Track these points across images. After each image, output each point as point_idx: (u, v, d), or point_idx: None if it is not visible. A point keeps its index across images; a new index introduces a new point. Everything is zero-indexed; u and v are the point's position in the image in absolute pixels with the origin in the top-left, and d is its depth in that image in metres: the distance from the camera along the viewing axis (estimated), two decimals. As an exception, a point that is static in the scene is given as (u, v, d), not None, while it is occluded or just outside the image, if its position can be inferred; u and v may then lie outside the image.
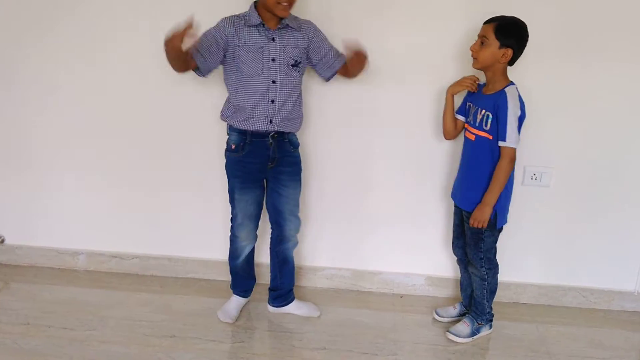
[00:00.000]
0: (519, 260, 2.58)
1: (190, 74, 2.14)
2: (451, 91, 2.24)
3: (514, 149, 2.05)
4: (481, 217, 2.11)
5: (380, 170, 2.55)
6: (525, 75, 2.23)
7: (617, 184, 2.47)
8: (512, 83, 2.09)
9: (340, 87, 2.40)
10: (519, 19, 2.03)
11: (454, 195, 2.33)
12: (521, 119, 2.06)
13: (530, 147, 2.37)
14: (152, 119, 2.55)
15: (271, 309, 2.51)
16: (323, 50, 2.16)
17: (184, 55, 1.93)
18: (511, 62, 2.06)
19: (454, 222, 2.39)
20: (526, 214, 2.48)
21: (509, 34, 2.00)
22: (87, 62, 2.48)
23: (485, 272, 2.24)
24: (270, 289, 2.51)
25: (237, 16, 2.07)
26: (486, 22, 2.05)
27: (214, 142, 2.45)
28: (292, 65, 2.09)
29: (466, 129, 2.23)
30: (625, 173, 2.46)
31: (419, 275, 2.67)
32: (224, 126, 2.29)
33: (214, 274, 2.73)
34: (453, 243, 2.41)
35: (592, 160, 2.45)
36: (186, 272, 2.77)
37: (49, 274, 2.78)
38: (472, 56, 2.09)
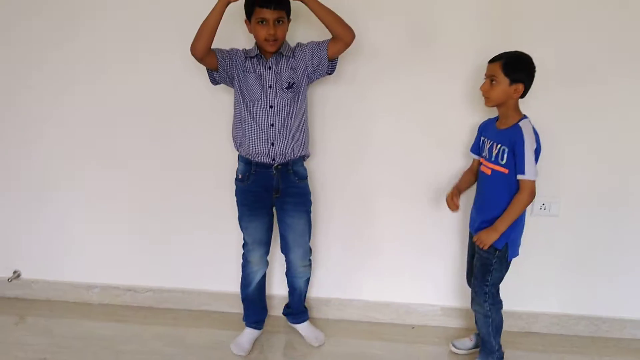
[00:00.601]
0: (531, 289, 2.59)
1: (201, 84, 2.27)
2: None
3: (534, 182, 2.05)
4: (486, 239, 2.12)
5: (391, 199, 2.57)
6: (533, 105, 2.24)
7: (626, 212, 2.49)
8: (525, 117, 2.10)
9: (348, 115, 2.47)
10: (523, 53, 2.06)
11: (472, 227, 2.31)
12: (537, 152, 2.07)
13: (539, 177, 2.38)
14: (165, 153, 2.61)
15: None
16: (309, 51, 2.21)
17: (217, 25, 2.05)
18: (522, 95, 2.09)
19: (468, 254, 2.39)
20: (536, 243, 2.49)
21: (517, 69, 2.04)
22: (99, 95, 2.57)
23: (488, 309, 2.23)
24: (286, 304, 2.61)
25: (245, 49, 2.25)
26: (491, 61, 2.09)
27: (226, 174, 2.49)
28: (286, 88, 2.19)
29: (482, 163, 2.24)
30: (634, 200, 2.47)
31: (431, 306, 2.68)
32: (234, 157, 2.38)
33: (226, 307, 2.76)
34: (467, 275, 2.41)
35: (600, 189, 2.46)
36: (199, 304, 2.80)
37: (64, 308, 2.81)
38: (483, 96, 2.13)
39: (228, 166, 2.48)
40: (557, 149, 2.39)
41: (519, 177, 2.05)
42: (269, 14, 2.06)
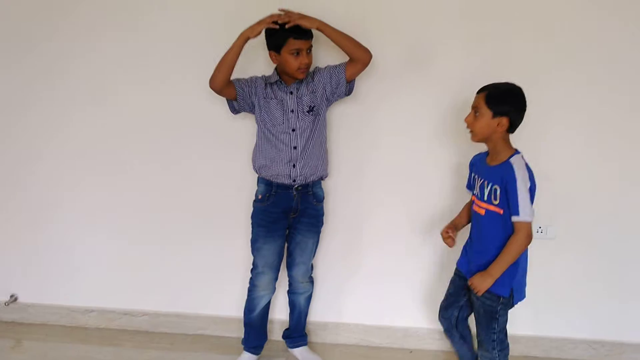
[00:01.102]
0: (529, 313, 2.57)
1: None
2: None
3: (530, 223, 1.93)
4: (480, 285, 1.98)
5: (388, 224, 2.58)
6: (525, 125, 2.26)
7: (623, 233, 2.48)
8: (517, 152, 2.00)
9: (359, 135, 2.50)
10: (512, 85, 1.97)
11: (461, 265, 2.21)
12: (532, 190, 1.95)
13: (535, 200, 2.39)
14: (164, 178, 2.62)
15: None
16: (327, 74, 2.27)
17: (236, 60, 2.13)
18: (512, 130, 1.98)
19: (448, 290, 2.27)
20: (534, 267, 2.43)
21: (502, 102, 1.93)
22: (101, 117, 2.58)
23: (497, 354, 2.09)
24: (286, 328, 2.61)
25: (264, 76, 2.31)
26: (478, 92, 2.00)
27: (228, 198, 2.54)
28: (307, 112, 2.25)
29: (474, 202, 2.12)
30: (631, 221, 2.47)
31: (428, 330, 2.66)
32: (239, 181, 2.48)
33: (224, 331, 2.74)
34: (440, 312, 2.30)
35: (596, 210, 2.47)
36: (196, 328, 2.78)
37: (61, 332, 2.80)
38: (467, 128, 2.03)
39: (231, 187, 2.53)
40: (552, 168, 2.40)
41: (514, 218, 1.92)
42: (303, 44, 2.14)
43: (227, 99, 2.30)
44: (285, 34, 2.11)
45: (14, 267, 2.82)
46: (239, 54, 2.12)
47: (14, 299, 2.85)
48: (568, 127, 2.39)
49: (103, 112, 2.58)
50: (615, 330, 2.58)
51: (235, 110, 2.33)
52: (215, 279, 2.70)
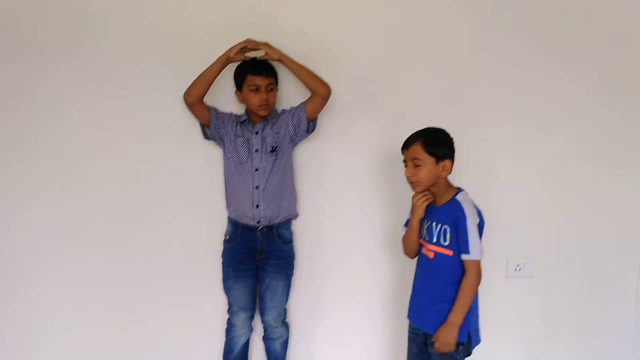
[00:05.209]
0: (507, 354, 2.52)
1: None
2: (418, 218, 2.03)
3: (479, 262, 1.91)
4: (448, 339, 1.90)
5: (366, 262, 2.49)
6: (499, 163, 2.32)
7: (599, 271, 2.48)
8: (461, 189, 2.00)
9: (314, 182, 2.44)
10: (437, 128, 1.98)
11: (413, 318, 2.10)
12: (481, 226, 1.94)
13: (512, 238, 2.43)
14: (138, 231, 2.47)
15: None
16: (289, 114, 2.29)
17: (214, 78, 2.20)
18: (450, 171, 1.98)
19: (410, 351, 2.12)
20: (512, 306, 2.47)
21: (441, 145, 1.94)
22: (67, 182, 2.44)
23: None
24: None
25: (236, 114, 2.36)
26: (407, 145, 1.97)
27: (197, 250, 2.44)
28: (270, 152, 2.27)
29: (422, 245, 2.06)
30: (605, 259, 2.47)
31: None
32: (205, 229, 2.42)
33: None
34: None
35: (573, 248, 2.46)
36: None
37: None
38: (410, 182, 1.98)
39: (202, 237, 2.43)
40: (527, 207, 2.41)
41: (464, 257, 1.90)
42: (261, 80, 2.20)
43: (200, 124, 2.31)
44: (244, 70, 2.22)
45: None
46: (219, 71, 2.19)
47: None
48: (542, 163, 2.41)
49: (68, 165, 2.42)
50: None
51: (206, 136, 2.35)
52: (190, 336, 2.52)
